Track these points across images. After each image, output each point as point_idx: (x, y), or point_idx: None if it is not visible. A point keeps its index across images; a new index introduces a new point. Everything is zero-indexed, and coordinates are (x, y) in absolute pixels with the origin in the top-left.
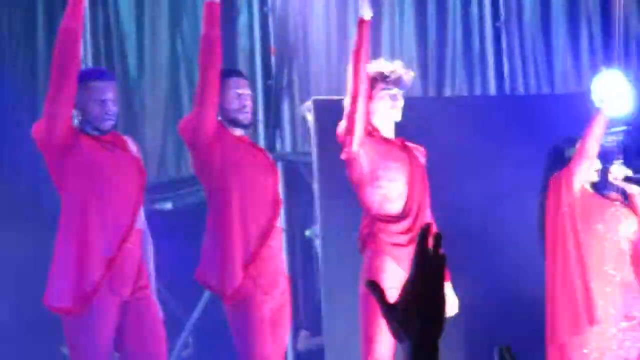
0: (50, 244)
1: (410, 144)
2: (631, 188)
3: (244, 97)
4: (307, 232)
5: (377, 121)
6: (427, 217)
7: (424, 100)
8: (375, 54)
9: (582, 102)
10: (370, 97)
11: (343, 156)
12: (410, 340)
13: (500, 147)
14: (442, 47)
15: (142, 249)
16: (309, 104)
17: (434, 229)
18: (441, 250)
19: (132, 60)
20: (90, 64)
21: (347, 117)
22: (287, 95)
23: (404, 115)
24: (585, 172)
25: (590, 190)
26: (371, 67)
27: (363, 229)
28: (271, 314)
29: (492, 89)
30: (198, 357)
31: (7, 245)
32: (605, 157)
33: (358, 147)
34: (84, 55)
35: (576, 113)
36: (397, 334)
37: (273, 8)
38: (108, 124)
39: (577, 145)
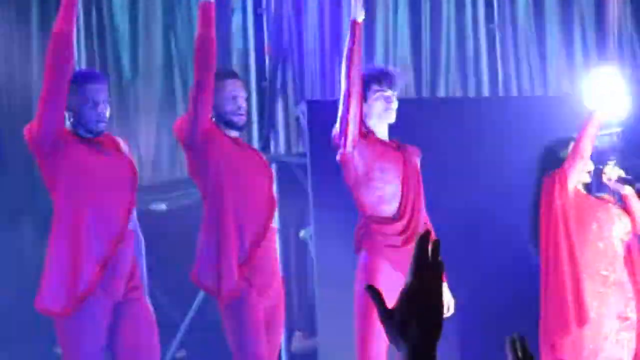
0: (44, 245)
1: (404, 145)
2: (624, 189)
3: (239, 99)
4: (301, 233)
5: (371, 123)
6: (423, 218)
7: (417, 101)
8: (369, 56)
9: (576, 103)
10: (364, 99)
11: (338, 157)
12: (408, 345)
13: (494, 148)
14: (436, 49)
15: (135, 250)
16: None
17: (433, 235)
18: (439, 257)
19: (125, 62)
20: (83, 65)
21: (340, 118)
22: (281, 97)
23: (398, 116)
24: (579, 173)
25: (584, 192)
26: (365, 69)
27: (359, 229)
28: (265, 314)
29: (486, 91)
30: (192, 358)
31: (1, 246)
32: (599, 158)
33: (352, 149)
34: (78, 56)
35: (569, 114)
36: (394, 339)
37: (267, 9)
38: (100, 126)
39: (571, 146)
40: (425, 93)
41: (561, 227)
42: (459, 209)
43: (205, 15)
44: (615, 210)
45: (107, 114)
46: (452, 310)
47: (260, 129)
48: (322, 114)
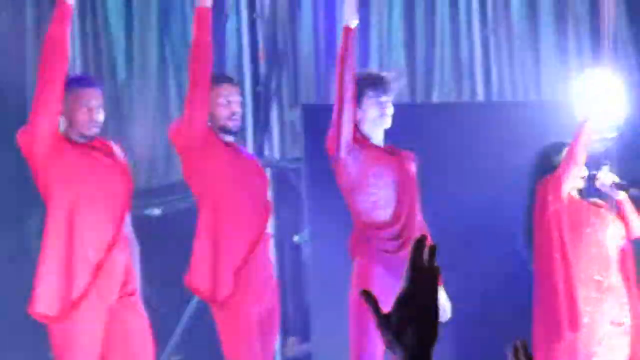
0: (37, 249)
1: (399, 150)
2: (618, 194)
3: (233, 104)
4: (296, 238)
5: (366, 129)
6: (419, 223)
7: (412, 106)
8: (364, 60)
9: (570, 108)
10: (359, 105)
11: (332, 163)
12: (404, 350)
13: (488, 153)
14: (430, 53)
15: (129, 255)
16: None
17: (429, 241)
18: (435, 263)
19: (120, 66)
20: (78, 70)
21: (334, 123)
22: (275, 101)
23: (392, 121)
24: (573, 179)
25: (578, 197)
26: (359, 74)
27: (354, 235)
28: (260, 319)
29: (480, 95)
30: None
31: None
32: (593, 163)
33: (346, 154)
34: (73, 60)
35: (564, 119)
36: (390, 344)
37: (262, 13)
38: (93, 131)
39: (565, 152)
40: (420, 98)
41: (555, 232)
42: (453, 214)
43: (202, 21)
44: (609, 216)
45: (101, 118)
46: (449, 315)
47: (255, 133)
48: (317, 118)
